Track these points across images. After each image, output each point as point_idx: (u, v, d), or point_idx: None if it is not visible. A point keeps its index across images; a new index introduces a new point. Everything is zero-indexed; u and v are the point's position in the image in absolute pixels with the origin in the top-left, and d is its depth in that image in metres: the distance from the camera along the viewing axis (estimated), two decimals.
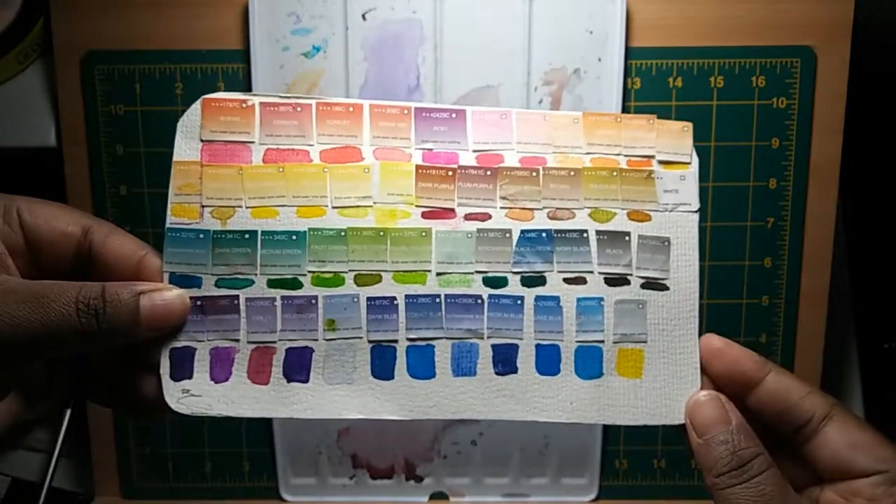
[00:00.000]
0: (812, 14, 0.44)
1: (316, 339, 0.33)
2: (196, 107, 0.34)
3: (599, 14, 0.44)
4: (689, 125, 0.36)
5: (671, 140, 0.35)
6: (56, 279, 0.30)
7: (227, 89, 0.47)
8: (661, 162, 0.35)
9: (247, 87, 0.47)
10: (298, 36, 0.45)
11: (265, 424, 0.51)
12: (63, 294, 0.29)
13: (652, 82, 0.47)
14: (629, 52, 0.45)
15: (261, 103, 0.34)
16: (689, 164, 0.35)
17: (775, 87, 0.45)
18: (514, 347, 0.34)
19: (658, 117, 0.36)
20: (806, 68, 0.44)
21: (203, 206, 0.33)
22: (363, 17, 0.45)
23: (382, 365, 0.33)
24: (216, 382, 0.32)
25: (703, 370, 0.33)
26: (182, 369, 0.32)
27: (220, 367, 0.33)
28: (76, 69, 0.46)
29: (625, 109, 0.47)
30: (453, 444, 0.51)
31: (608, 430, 0.51)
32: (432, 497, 0.50)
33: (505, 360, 0.33)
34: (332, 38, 0.45)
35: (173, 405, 0.32)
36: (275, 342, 0.33)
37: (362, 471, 0.50)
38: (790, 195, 0.46)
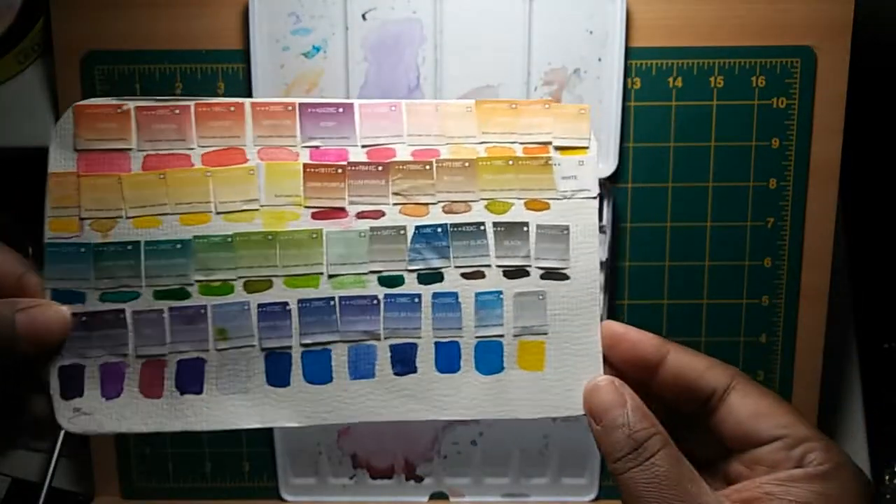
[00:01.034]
0: (812, 14, 0.44)
1: (207, 350, 0.32)
2: (68, 115, 0.33)
3: (599, 14, 0.44)
4: (587, 107, 0.35)
5: (568, 124, 0.34)
6: None
7: (227, 89, 0.47)
8: (558, 148, 0.34)
9: (247, 87, 0.46)
10: (298, 36, 0.45)
11: None
12: None
13: (652, 82, 0.46)
14: (629, 52, 0.45)
15: (137, 108, 0.33)
16: (587, 148, 0.34)
17: (775, 87, 0.45)
18: (413, 347, 0.33)
19: (555, 101, 0.35)
20: (806, 68, 0.44)
21: (82, 219, 0.32)
22: (363, 17, 0.44)
23: (277, 372, 0.33)
24: (108, 399, 0.32)
25: (606, 358, 0.33)
26: (72, 387, 0.32)
27: (111, 383, 0.32)
28: (76, 69, 0.45)
29: (625, 109, 0.46)
30: (453, 444, 0.50)
31: None
32: (432, 497, 0.50)
33: (403, 360, 0.33)
34: (332, 38, 0.45)
35: (65, 425, 0.31)
36: (165, 354, 0.32)
37: (362, 471, 0.50)
38: (790, 195, 0.46)
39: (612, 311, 0.48)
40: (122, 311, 0.32)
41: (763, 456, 0.31)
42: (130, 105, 0.33)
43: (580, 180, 0.34)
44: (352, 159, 0.34)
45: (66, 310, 0.31)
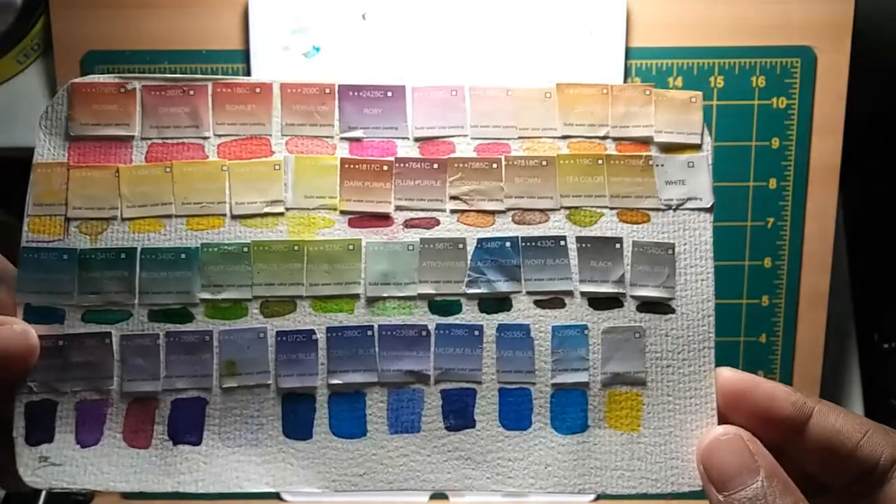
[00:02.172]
0: (812, 14, 0.44)
1: (210, 388, 0.25)
2: (62, 94, 0.27)
3: (599, 14, 0.44)
4: (699, 95, 0.27)
5: (674, 115, 0.27)
6: None
7: None
8: (661, 145, 0.27)
9: None
10: (298, 36, 0.45)
11: None
12: None
13: (652, 82, 0.44)
14: (629, 52, 0.45)
15: (144, 87, 0.27)
16: (699, 146, 0.27)
17: (775, 87, 0.45)
18: (471, 394, 0.26)
19: (655, 86, 0.28)
20: (806, 68, 0.44)
21: (68, 220, 0.26)
22: (363, 17, 0.44)
23: (297, 420, 0.25)
24: (83, 447, 0.25)
25: (723, 418, 0.25)
26: (40, 430, 0.25)
27: (89, 427, 0.25)
28: (76, 69, 0.46)
29: None
30: None
31: None
32: (432, 497, 0.46)
33: (458, 412, 0.26)
34: (332, 38, 0.44)
35: (27, 477, 0.25)
36: (157, 392, 0.25)
37: None
38: (790, 195, 0.45)
39: None
40: (108, 335, 0.26)
41: None
42: (136, 84, 0.27)
43: (689, 186, 0.27)
44: (400, 154, 0.27)
45: (33, 334, 0.25)
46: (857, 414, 0.25)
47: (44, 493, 0.43)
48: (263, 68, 0.45)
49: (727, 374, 0.25)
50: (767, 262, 0.46)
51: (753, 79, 0.44)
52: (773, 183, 0.45)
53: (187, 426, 0.25)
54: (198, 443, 0.25)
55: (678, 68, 0.45)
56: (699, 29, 0.45)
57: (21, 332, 0.25)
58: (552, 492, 0.25)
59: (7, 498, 0.45)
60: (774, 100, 0.45)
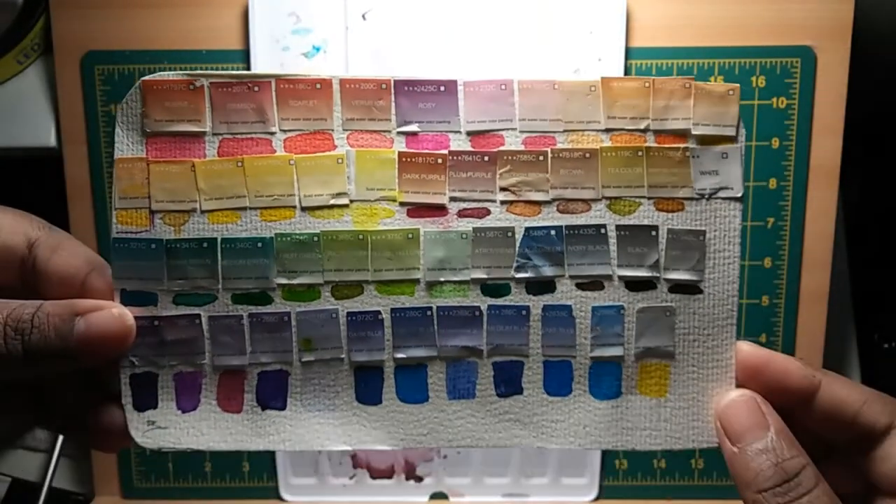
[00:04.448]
0: (812, 14, 0.44)
1: (291, 362, 0.29)
2: (135, 91, 0.29)
3: (599, 14, 0.44)
4: (737, 88, 0.29)
5: (712, 108, 0.29)
6: (5, 296, 0.26)
7: None
8: (698, 137, 0.29)
9: None
10: (298, 36, 0.45)
11: None
12: None
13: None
14: (629, 52, 0.45)
15: (211, 84, 0.29)
16: (734, 138, 0.29)
17: (775, 87, 0.44)
18: (519, 365, 0.29)
19: (695, 79, 0.29)
20: (806, 68, 0.44)
21: (153, 212, 0.29)
22: (363, 17, 0.44)
23: (368, 389, 0.29)
24: (183, 412, 0.29)
25: (745, 387, 0.29)
26: (146, 398, 0.29)
27: (187, 395, 0.29)
28: (76, 69, 0.46)
29: None
30: None
31: None
32: (432, 497, 0.49)
33: (508, 380, 0.29)
34: (332, 38, 0.45)
35: (139, 439, 0.29)
36: (245, 366, 0.29)
37: (362, 471, 0.50)
38: (790, 195, 0.45)
39: None
40: (198, 316, 0.29)
41: None
42: (204, 81, 0.29)
43: (722, 176, 0.29)
44: (453, 148, 0.29)
45: (129, 316, 0.28)
46: (859, 383, 0.28)
47: (44, 489, 0.46)
48: (263, 68, 0.45)
49: (746, 348, 0.29)
50: (767, 262, 0.46)
51: (753, 79, 0.44)
52: (773, 183, 0.45)
53: (273, 394, 0.29)
54: (283, 408, 0.29)
55: (678, 68, 0.45)
56: (699, 29, 0.44)
57: (118, 314, 0.28)
58: (589, 448, 0.29)
59: (8, 495, 0.48)
60: (774, 100, 0.45)
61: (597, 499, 0.49)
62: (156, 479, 0.49)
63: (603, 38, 0.44)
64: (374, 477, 0.49)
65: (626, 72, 0.44)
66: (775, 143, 0.45)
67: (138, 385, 0.29)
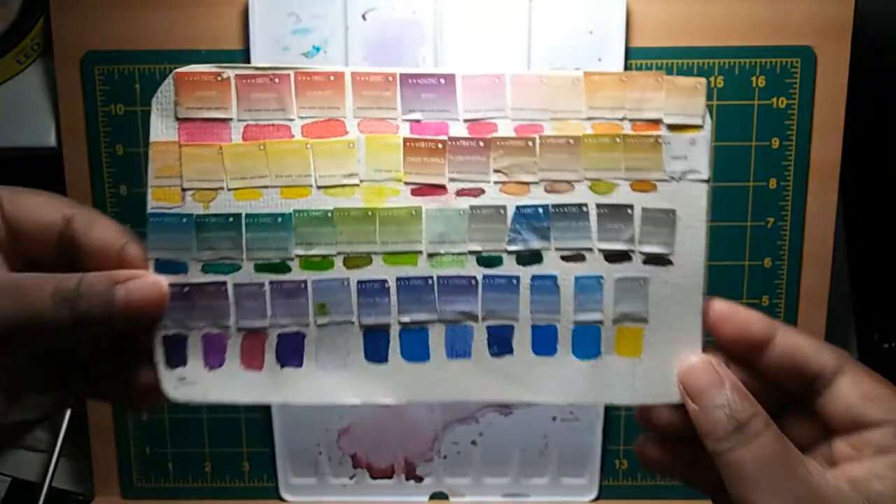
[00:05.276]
0: (812, 14, 0.44)
1: (307, 325, 0.33)
2: (169, 82, 0.32)
3: (599, 14, 0.44)
4: (703, 81, 0.32)
5: (681, 99, 0.32)
6: (44, 270, 0.30)
7: None
8: (669, 125, 0.32)
9: None
10: (298, 36, 0.45)
11: (265, 424, 0.51)
12: (41, 286, 0.29)
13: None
14: (629, 52, 0.45)
15: (237, 76, 0.32)
16: (700, 126, 0.32)
17: (775, 87, 0.45)
18: (510, 329, 0.33)
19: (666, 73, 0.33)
20: (806, 68, 0.44)
21: (184, 189, 0.32)
22: (363, 17, 0.44)
23: (375, 349, 0.33)
24: (210, 369, 0.32)
25: (714, 336, 0.32)
26: (176, 357, 0.32)
27: (213, 354, 0.32)
28: (76, 69, 0.46)
29: None
30: (453, 444, 0.51)
31: (608, 429, 0.51)
32: (432, 497, 0.50)
33: (500, 342, 0.33)
34: (332, 38, 0.45)
35: (171, 394, 0.32)
36: (266, 328, 0.32)
37: (362, 471, 0.50)
38: (790, 195, 0.46)
39: None
40: (224, 283, 0.32)
41: (873, 439, 0.30)
42: (230, 73, 0.32)
43: (690, 161, 0.32)
44: (452, 134, 0.33)
45: (164, 283, 0.31)
46: (813, 336, 0.32)
47: (45, 487, 0.46)
48: None
49: (718, 303, 0.32)
50: (767, 262, 0.46)
51: (753, 79, 0.45)
52: (773, 183, 0.45)
53: (291, 353, 0.33)
54: (300, 366, 0.33)
55: (678, 68, 0.45)
56: (699, 29, 0.44)
57: (153, 281, 0.31)
58: (572, 402, 0.33)
59: (8, 495, 0.49)
60: (774, 100, 0.45)
61: (596, 499, 0.50)
62: (156, 479, 0.50)
63: (603, 38, 0.44)
64: (374, 477, 0.50)
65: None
66: (775, 143, 0.45)
67: (170, 345, 0.32)
